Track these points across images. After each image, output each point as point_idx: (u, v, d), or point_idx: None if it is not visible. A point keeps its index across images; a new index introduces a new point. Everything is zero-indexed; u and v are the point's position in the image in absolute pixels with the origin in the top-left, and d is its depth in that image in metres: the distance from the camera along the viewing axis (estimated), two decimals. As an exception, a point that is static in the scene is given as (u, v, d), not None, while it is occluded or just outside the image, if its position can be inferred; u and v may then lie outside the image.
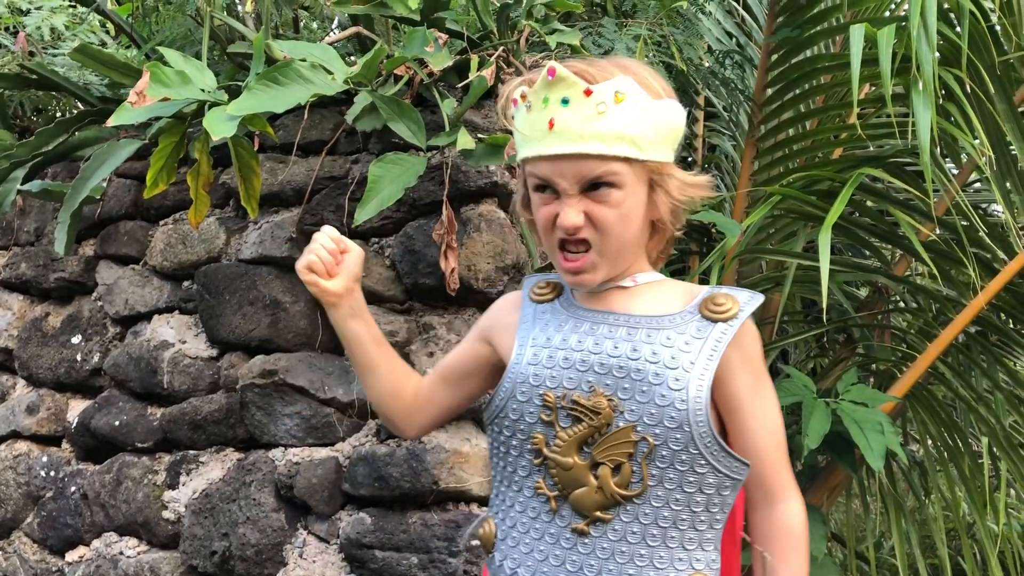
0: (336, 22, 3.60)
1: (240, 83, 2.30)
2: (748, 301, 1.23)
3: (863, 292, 3.32)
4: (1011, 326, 2.79)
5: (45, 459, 2.89)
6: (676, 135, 1.23)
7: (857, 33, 2.12)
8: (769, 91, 2.82)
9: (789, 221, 2.76)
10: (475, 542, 2.16)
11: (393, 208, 2.27)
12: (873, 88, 2.85)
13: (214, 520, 2.46)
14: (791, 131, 2.88)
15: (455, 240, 2.21)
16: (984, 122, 2.36)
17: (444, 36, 2.41)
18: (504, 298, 1.42)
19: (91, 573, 2.66)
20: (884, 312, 3.02)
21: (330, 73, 2.19)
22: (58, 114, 3.43)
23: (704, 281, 2.34)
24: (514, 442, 1.26)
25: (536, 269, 2.37)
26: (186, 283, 2.72)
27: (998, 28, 2.44)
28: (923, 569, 2.93)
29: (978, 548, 3.33)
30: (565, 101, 1.17)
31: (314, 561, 2.35)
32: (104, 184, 2.72)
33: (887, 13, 2.88)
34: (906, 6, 2.57)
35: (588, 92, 1.16)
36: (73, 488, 2.80)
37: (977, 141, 2.38)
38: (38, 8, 3.06)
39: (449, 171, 2.25)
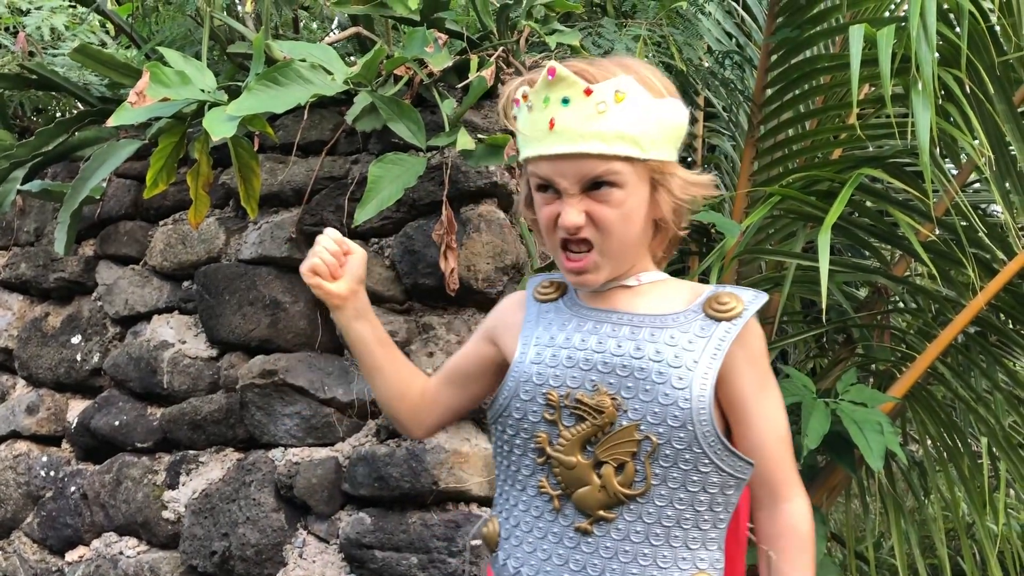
0: (336, 22, 3.60)
1: (240, 83, 2.30)
2: (752, 300, 1.23)
3: (863, 292, 3.32)
4: (1010, 326, 2.79)
5: (45, 459, 2.89)
6: (678, 134, 1.22)
7: (856, 33, 2.12)
8: (769, 91, 2.82)
9: (788, 221, 2.76)
10: (475, 542, 2.16)
11: (393, 208, 2.27)
12: (873, 88, 2.85)
13: (214, 520, 2.46)
14: (791, 131, 2.88)
15: (455, 240, 2.21)
16: (983, 122, 2.36)
17: (444, 36, 2.41)
18: (508, 298, 1.43)
19: (91, 573, 2.66)
20: (883, 312, 3.02)
21: (330, 73, 2.19)
22: (58, 114, 3.43)
23: (704, 281, 2.34)
24: (517, 441, 1.26)
25: (535, 269, 2.38)
26: (186, 283, 2.72)
27: (997, 29, 2.44)
28: (922, 569, 2.94)
29: (977, 548, 3.33)
30: (565, 101, 1.17)
31: (314, 561, 2.35)
32: (104, 184, 2.72)
33: (887, 13, 2.88)
34: (906, 6, 2.57)
35: (588, 91, 1.16)
36: (73, 488, 2.80)
37: (976, 142, 2.38)
38: (38, 8, 3.06)
39: (449, 171, 2.25)
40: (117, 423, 2.71)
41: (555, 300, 1.32)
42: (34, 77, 2.83)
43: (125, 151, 2.39)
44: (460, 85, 2.33)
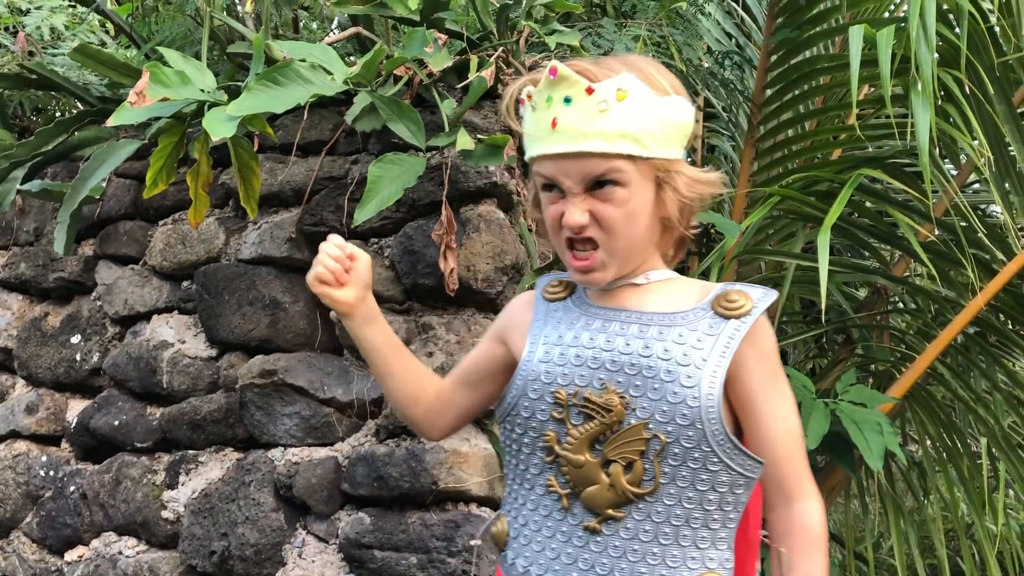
0: (336, 22, 3.60)
1: (240, 83, 2.30)
2: (762, 298, 1.22)
3: (862, 293, 3.32)
4: (1010, 327, 2.79)
5: (44, 459, 2.89)
6: (683, 132, 1.22)
7: (856, 34, 2.12)
8: (768, 92, 2.82)
9: (788, 222, 2.77)
10: (475, 542, 2.16)
11: (392, 208, 2.27)
12: (872, 89, 2.85)
13: (213, 520, 2.46)
14: (790, 132, 2.88)
15: (454, 240, 2.21)
16: (983, 123, 2.36)
17: (444, 36, 2.41)
18: (518, 297, 1.42)
19: (90, 573, 2.66)
20: (883, 313, 3.02)
21: (330, 73, 2.19)
22: (58, 114, 3.43)
23: (703, 281, 2.34)
24: (526, 440, 1.26)
25: (535, 269, 2.38)
26: (185, 283, 2.72)
27: (997, 29, 2.44)
28: (922, 570, 2.94)
29: (977, 549, 3.33)
30: (567, 100, 1.17)
31: (313, 561, 2.35)
32: (103, 184, 2.72)
33: (886, 14, 2.88)
34: (905, 7, 2.57)
35: (590, 90, 1.16)
36: (72, 488, 2.80)
37: (976, 142, 2.39)
38: (38, 8, 3.06)
39: (448, 171, 2.25)
40: (116, 423, 2.71)
41: (564, 299, 1.32)
42: (34, 77, 2.83)
43: (125, 151, 2.39)
44: (460, 85, 2.33)
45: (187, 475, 2.58)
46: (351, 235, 2.37)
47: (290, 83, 2.08)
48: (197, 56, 2.46)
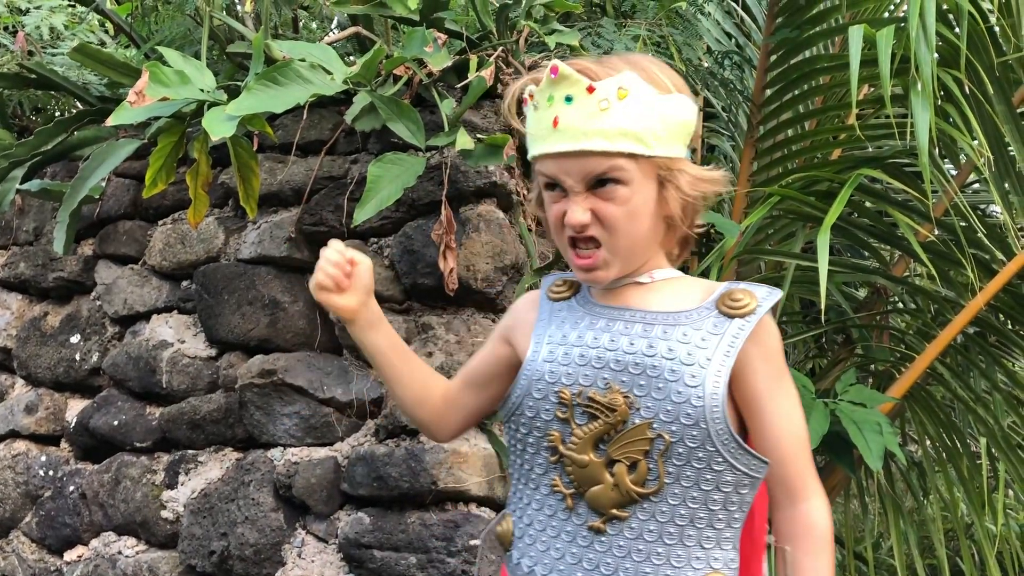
0: (335, 22, 3.60)
1: (239, 83, 2.30)
2: (767, 296, 1.22)
3: (862, 293, 3.32)
4: (1009, 327, 2.78)
5: (44, 458, 2.89)
6: (686, 130, 1.22)
7: (856, 34, 2.12)
8: (768, 92, 2.82)
9: (788, 222, 2.76)
10: (475, 542, 2.16)
11: (392, 208, 2.27)
12: (872, 89, 2.85)
13: (213, 520, 2.46)
14: (790, 132, 2.88)
15: (454, 240, 2.21)
16: (983, 123, 2.36)
17: (443, 36, 2.41)
18: (523, 297, 1.42)
19: (89, 572, 2.66)
20: (883, 313, 3.01)
21: (329, 73, 2.19)
22: (57, 113, 3.43)
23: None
24: (530, 439, 1.26)
25: (535, 269, 2.38)
26: (185, 283, 2.72)
27: (997, 29, 2.44)
28: (921, 570, 2.93)
29: (976, 549, 3.33)
30: (568, 99, 1.17)
31: (313, 561, 2.35)
32: (103, 184, 2.72)
33: (886, 14, 2.88)
34: (905, 7, 2.57)
35: (591, 89, 1.16)
36: (72, 488, 2.79)
37: (976, 142, 2.38)
38: (37, 8, 3.06)
39: (448, 171, 2.25)
40: (116, 423, 2.70)
41: (568, 299, 1.32)
42: (33, 76, 2.83)
43: (124, 150, 2.39)
44: (459, 85, 2.33)
45: (186, 475, 2.58)
46: (351, 235, 2.37)
47: (290, 83, 2.08)
48: (197, 56, 2.46)
